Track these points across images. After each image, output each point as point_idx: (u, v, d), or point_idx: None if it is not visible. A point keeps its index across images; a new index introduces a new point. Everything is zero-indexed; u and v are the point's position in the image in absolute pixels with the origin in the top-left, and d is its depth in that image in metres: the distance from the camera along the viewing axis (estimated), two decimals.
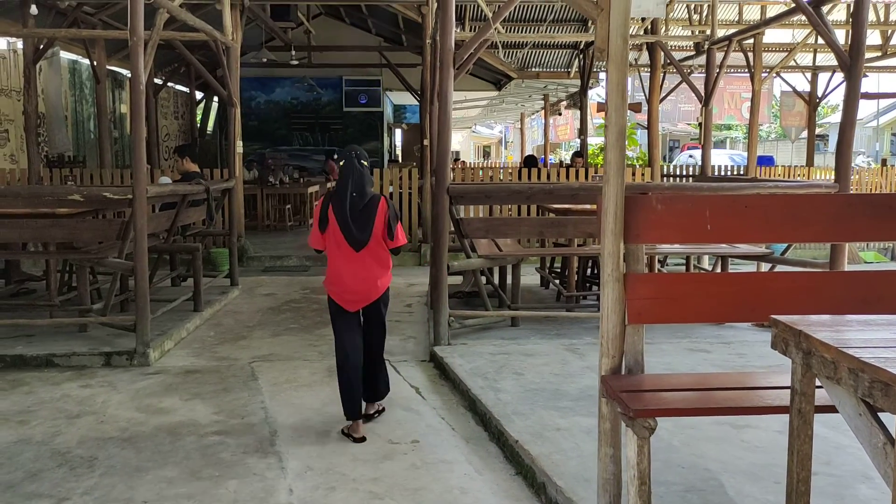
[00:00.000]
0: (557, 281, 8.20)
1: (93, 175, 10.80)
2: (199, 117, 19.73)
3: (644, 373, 3.10)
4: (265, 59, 14.59)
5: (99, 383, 5.59)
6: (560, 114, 24.60)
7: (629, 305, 2.97)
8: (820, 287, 3.14)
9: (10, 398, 5.25)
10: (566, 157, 29.84)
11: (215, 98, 19.95)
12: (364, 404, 4.66)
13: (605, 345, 3.03)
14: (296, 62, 15.81)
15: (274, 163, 16.29)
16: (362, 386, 4.61)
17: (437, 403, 5.15)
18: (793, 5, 7.43)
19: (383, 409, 4.89)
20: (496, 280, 7.73)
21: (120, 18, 12.16)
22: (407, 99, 20.35)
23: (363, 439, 4.44)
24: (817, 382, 2.31)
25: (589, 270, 8.16)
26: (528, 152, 28.58)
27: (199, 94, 19.33)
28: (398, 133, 26.97)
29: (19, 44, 11.43)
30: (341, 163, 4.56)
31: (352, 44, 17.09)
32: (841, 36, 12.65)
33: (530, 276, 9.05)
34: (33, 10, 8.26)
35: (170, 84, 16.57)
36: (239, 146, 9.71)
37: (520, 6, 12.66)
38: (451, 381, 5.50)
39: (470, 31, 13.15)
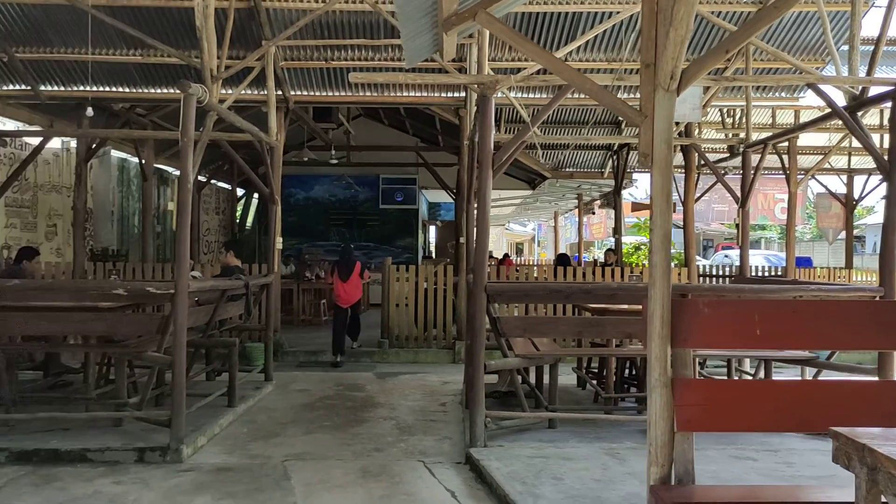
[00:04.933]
0: (595, 381, 8.05)
1: (135, 269, 11.02)
2: (238, 212, 20.25)
3: (695, 483, 2.98)
4: (306, 158, 15.01)
5: (132, 479, 5.52)
6: (594, 213, 24.75)
7: (678, 412, 2.89)
8: (876, 396, 3.03)
9: (43, 494, 5.20)
10: (600, 255, 29.82)
11: (255, 194, 20.47)
12: (349, 342, 11.35)
13: (653, 452, 2.93)
14: (335, 161, 16.24)
15: (311, 258, 16.52)
16: (347, 333, 11.14)
17: None
18: (829, 110, 7.50)
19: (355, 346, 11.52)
20: (532, 379, 7.61)
21: (169, 119, 12.66)
22: (442, 197, 20.67)
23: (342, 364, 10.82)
24: (883, 498, 2.19)
25: (627, 371, 8.01)
26: (561, 250, 28.64)
27: (239, 191, 19.90)
28: (433, 230, 27.29)
29: (73, 143, 11.94)
30: (341, 246, 11.88)
31: (389, 143, 17.55)
32: (876, 139, 12.70)
33: (566, 376, 8.90)
34: (89, 112, 8.68)
35: (212, 181, 17.08)
36: (279, 243, 9.88)
37: (556, 109, 12.97)
38: (488, 484, 5.34)
39: (506, 132, 13.46)
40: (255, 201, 20.78)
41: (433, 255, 23.04)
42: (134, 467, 5.84)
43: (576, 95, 9.98)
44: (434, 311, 11.29)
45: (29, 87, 9.79)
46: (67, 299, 6.97)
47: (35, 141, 9.87)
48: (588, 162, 16.96)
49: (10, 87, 9.86)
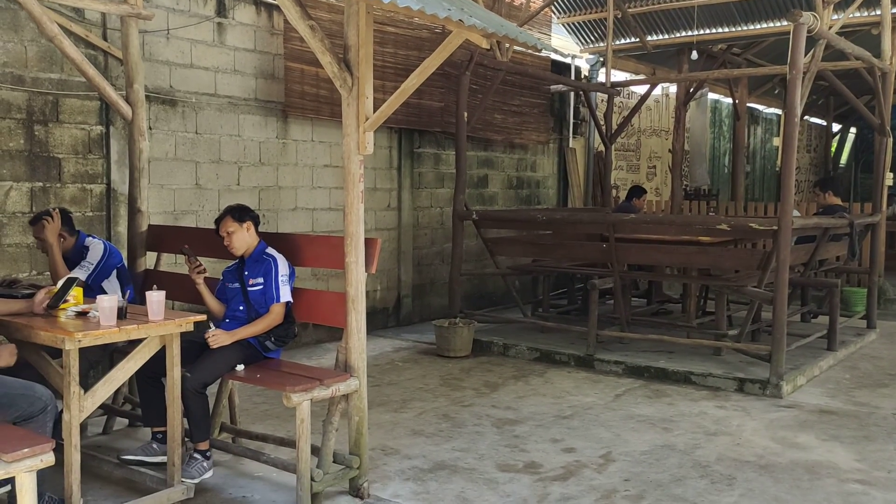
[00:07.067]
0: None
1: (727, 208, 11.24)
2: (832, 149, 18.99)
3: None
4: None
5: (733, 406, 5.78)
6: None
7: None
8: None
9: (655, 406, 5.81)
10: None
11: (851, 129, 18.92)
12: None
13: None
14: None
15: None
16: None
17: None
18: None
19: None
20: None
21: (763, 56, 12.43)
22: None
23: None
24: None
25: None
26: None
27: (833, 126, 18.62)
28: None
29: (671, 88, 12.65)
30: None
31: None
32: None
33: None
34: (694, 55, 9.03)
35: (804, 117, 16.26)
36: (889, 178, 8.99)
37: None
38: None
39: None
40: (850, 137, 19.21)
41: None
42: (734, 395, 6.09)
43: None
44: None
45: (637, 39, 10.64)
46: (671, 234, 7.50)
47: (641, 89, 10.76)
48: None
49: (622, 41, 10.86)
